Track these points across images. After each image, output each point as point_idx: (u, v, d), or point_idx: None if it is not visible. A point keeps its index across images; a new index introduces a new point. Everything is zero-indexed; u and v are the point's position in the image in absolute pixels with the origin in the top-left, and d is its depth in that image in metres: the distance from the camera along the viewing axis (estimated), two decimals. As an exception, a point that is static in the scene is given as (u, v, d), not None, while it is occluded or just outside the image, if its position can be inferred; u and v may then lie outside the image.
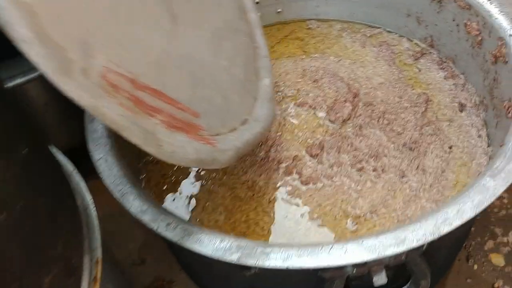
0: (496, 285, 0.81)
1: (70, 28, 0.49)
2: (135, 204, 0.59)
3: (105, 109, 0.46)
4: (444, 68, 0.86)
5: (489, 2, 0.73)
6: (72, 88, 0.44)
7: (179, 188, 0.78)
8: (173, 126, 0.56)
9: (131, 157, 0.75)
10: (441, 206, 0.54)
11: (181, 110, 0.60)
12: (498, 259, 0.84)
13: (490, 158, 0.73)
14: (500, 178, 0.55)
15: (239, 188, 0.76)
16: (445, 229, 0.52)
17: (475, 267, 0.83)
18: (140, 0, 0.63)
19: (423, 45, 0.90)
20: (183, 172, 0.80)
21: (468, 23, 0.78)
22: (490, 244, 0.85)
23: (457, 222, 0.52)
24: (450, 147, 0.76)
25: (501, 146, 0.59)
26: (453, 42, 0.83)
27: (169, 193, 0.78)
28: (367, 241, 0.53)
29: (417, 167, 0.75)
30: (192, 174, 0.79)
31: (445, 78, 0.85)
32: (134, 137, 0.49)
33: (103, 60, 0.51)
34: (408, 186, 0.73)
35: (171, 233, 0.56)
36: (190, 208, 0.75)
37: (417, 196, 0.72)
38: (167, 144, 0.52)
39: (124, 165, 0.66)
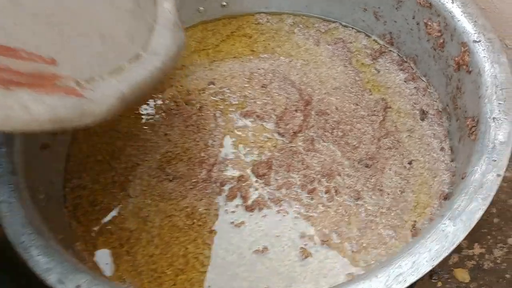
0: (460, 303, 0.76)
1: None
2: (40, 261, 0.50)
3: None
4: (404, 69, 0.78)
5: (451, 1, 0.65)
6: None
7: (110, 215, 0.69)
8: (10, 82, 0.45)
9: (48, 185, 0.66)
10: (393, 257, 0.47)
11: (24, 59, 0.49)
12: (463, 275, 0.78)
13: (453, 175, 0.66)
14: (461, 222, 0.47)
15: (177, 215, 0.68)
16: (398, 287, 0.45)
17: (439, 284, 0.78)
18: None
19: (382, 42, 0.81)
20: (115, 198, 0.71)
21: (429, 23, 0.69)
22: (454, 258, 0.80)
23: (411, 278, 0.45)
24: (410, 162, 0.69)
25: (462, 178, 0.52)
26: (414, 42, 0.75)
27: (99, 222, 0.69)
28: (310, 302, 0.45)
29: (374, 187, 0.67)
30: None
31: (405, 81, 0.77)
32: None
33: None
34: (364, 209, 0.66)
35: (80, 298, 0.48)
36: (123, 241, 0.67)
37: (374, 222, 0.65)
38: None
39: (34, 204, 0.57)
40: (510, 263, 0.78)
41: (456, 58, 0.65)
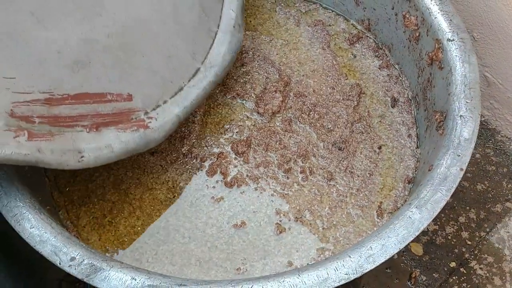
0: (413, 274, 0.83)
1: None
2: (33, 233, 0.52)
3: (12, 154, 0.48)
4: (379, 56, 0.82)
5: (430, -2, 0.69)
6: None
7: (91, 185, 0.71)
8: (99, 125, 0.55)
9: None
10: (364, 240, 0.52)
11: (109, 102, 0.57)
12: (417, 249, 0.86)
13: (418, 160, 0.72)
14: (426, 210, 0.53)
15: (159, 189, 0.71)
16: (369, 267, 0.50)
17: (395, 256, 0.85)
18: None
19: (360, 27, 0.85)
20: (96, 168, 0.72)
21: (407, 16, 0.73)
22: (411, 233, 0.87)
23: (381, 259, 0.50)
24: (380, 147, 0.74)
25: (429, 170, 0.57)
26: (391, 31, 0.79)
27: (81, 192, 0.71)
28: (289, 279, 0.50)
29: (346, 169, 0.72)
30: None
31: (379, 68, 0.81)
32: (49, 164, 0.50)
33: (8, 98, 0.50)
34: (336, 190, 0.71)
35: (75, 270, 0.50)
36: (105, 211, 0.69)
37: (344, 202, 0.70)
38: (89, 151, 0.54)
39: (20, 176, 0.58)
40: (459, 239, 0.86)
41: (430, 53, 0.69)
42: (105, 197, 0.70)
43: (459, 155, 0.56)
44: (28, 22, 0.54)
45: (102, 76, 0.58)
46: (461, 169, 0.55)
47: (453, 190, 0.54)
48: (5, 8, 0.53)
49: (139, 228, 0.68)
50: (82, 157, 0.53)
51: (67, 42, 0.56)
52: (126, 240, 0.67)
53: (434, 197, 0.54)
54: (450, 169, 0.56)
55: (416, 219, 0.53)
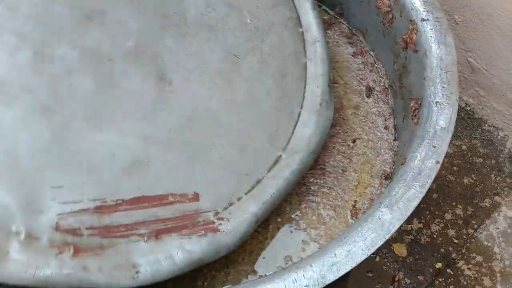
0: (396, 277, 0.77)
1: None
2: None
3: (52, 275, 0.41)
4: (353, 43, 0.76)
5: (402, -25, 0.63)
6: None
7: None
8: (159, 232, 0.47)
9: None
10: (328, 245, 0.46)
11: (171, 203, 0.50)
12: (400, 249, 0.80)
13: (395, 154, 0.66)
14: (397, 209, 0.47)
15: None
16: (332, 277, 0.44)
17: (377, 258, 0.79)
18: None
19: (332, 13, 0.79)
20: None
21: (379, -3, 0.67)
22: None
23: (346, 267, 0.44)
24: (354, 141, 0.68)
25: (402, 164, 0.51)
26: (364, 14, 0.73)
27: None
28: (244, 291, 0.44)
29: (317, 165, 0.66)
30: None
31: (353, 55, 0.75)
32: (96, 284, 0.43)
33: (54, 210, 0.44)
34: (306, 189, 0.64)
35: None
36: None
37: (315, 202, 0.64)
38: (146, 265, 0.45)
39: None
40: (445, 238, 0.80)
41: (404, 36, 0.63)
42: None
43: (435, 146, 0.50)
44: (82, 126, 0.48)
45: (163, 176, 0.51)
46: (437, 162, 0.49)
47: (428, 185, 0.48)
48: (55, 113, 0.47)
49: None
50: (137, 272, 0.44)
51: (124, 143, 0.50)
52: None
53: (407, 194, 0.48)
54: (424, 162, 0.49)
55: (386, 220, 0.46)
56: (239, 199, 0.53)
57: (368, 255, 0.45)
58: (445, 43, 0.57)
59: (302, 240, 0.61)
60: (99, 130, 0.48)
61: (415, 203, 0.47)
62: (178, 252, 0.47)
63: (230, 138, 0.56)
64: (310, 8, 0.65)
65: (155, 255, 0.46)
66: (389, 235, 0.46)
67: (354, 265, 0.45)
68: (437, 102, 0.53)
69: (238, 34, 0.59)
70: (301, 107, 0.61)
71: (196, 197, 0.51)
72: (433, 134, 0.51)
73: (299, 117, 0.61)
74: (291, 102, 0.61)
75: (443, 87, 0.54)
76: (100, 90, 0.49)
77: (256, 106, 0.58)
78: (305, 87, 0.62)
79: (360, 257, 0.45)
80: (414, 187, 0.48)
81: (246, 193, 0.54)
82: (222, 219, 0.51)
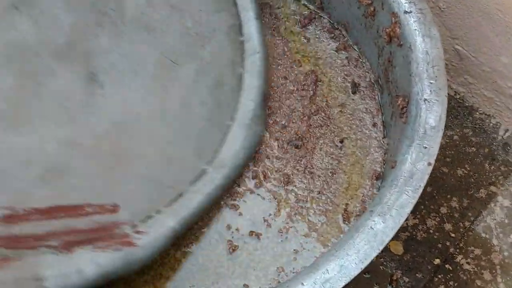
0: (394, 277, 0.75)
1: None
2: None
3: None
4: (336, 38, 0.73)
5: (381, -34, 0.59)
6: None
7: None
8: (71, 244, 0.44)
9: None
10: (319, 260, 0.43)
11: (88, 215, 0.46)
12: (396, 247, 0.78)
13: (385, 152, 0.63)
14: (390, 218, 0.44)
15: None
16: (325, 295, 0.41)
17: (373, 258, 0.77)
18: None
19: (312, 7, 0.75)
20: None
21: (359, -11, 0.64)
22: (388, 230, 0.78)
23: (340, 283, 0.42)
24: (342, 141, 0.65)
25: (392, 167, 0.49)
26: (345, 8, 0.70)
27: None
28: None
29: (304, 169, 0.63)
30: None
31: (336, 50, 0.72)
32: None
33: None
34: (294, 195, 0.62)
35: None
36: None
37: (304, 208, 0.61)
38: (53, 279, 0.42)
39: None
40: (442, 233, 0.77)
41: (387, 30, 0.60)
42: None
43: (426, 147, 0.48)
44: None
45: (82, 185, 0.48)
46: (429, 164, 0.47)
47: (421, 190, 0.46)
48: None
49: None
50: (42, 286, 0.42)
51: (42, 147, 0.46)
52: None
53: (399, 200, 0.45)
54: (416, 165, 0.47)
55: (379, 229, 0.44)
56: (158, 212, 0.50)
57: (362, 268, 0.42)
58: (430, 36, 0.54)
59: (294, 250, 0.59)
60: (16, 131, 0.44)
61: (408, 209, 0.45)
62: (89, 266, 0.44)
63: (158, 148, 0.52)
64: (253, 17, 0.61)
65: (64, 269, 0.43)
66: (383, 245, 0.43)
67: (348, 280, 0.42)
68: (425, 100, 0.50)
69: (178, 38, 0.55)
70: (232, 120, 0.57)
71: (115, 208, 0.48)
72: (423, 134, 0.48)
73: (229, 130, 0.57)
74: (223, 114, 0.57)
75: (431, 83, 0.51)
76: (21, 87, 0.45)
77: (188, 116, 0.55)
78: (238, 99, 0.59)
79: (353, 272, 0.42)
80: (406, 192, 0.45)
81: (166, 207, 0.51)
82: (139, 232, 0.48)
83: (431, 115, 0.49)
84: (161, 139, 0.53)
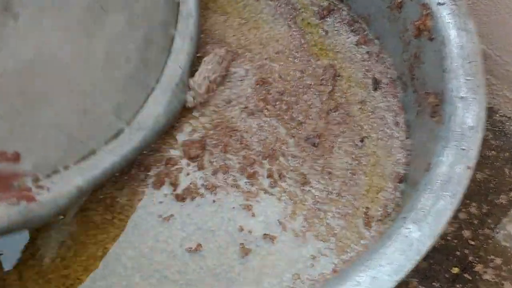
0: (410, 285, 0.71)
1: None
2: None
3: None
4: (355, 31, 0.69)
5: (413, -47, 0.55)
6: None
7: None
8: None
9: None
10: (348, 270, 0.39)
11: None
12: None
13: (409, 154, 0.59)
14: (426, 225, 0.40)
15: (94, 209, 0.57)
16: (355, 310, 0.37)
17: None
18: None
19: (331, -1, 0.71)
20: (16, 188, 0.58)
21: (385, -22, 0.60)
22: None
23: (370, 298, 0.38)
24: (362, 140, 0.61)
25: (426, 170, 0.45)
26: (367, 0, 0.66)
27: None
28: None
29: (322, 169, 0.59)
30: (29, 189, 0.58)
31: (357, 44, 0.68)
32: None
33: None
34: (311, 196, 0.58)
35: None
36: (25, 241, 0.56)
37: (322, 210, 0.57)
38: None
39: None
40: (460, 240, 0.74)
41: (416, 22, 0.56)
42: (27, 224, 0.56)
43: (464, 149, 0.44)
44: None
45: None
46: (468, 168, 0.43)
47: (460, 195, 0.42)
48: None
49: (70, 261, 0.54)
50: None
51: None
52: (53, 277, 0.54)
53: (436, 206, 0.41)
54: (454, 168, 0.43)
55: (414, 238, 0.40)
56: (65, 168, 0.47)
57: (397, 281, 0.38)
58: (466, 29, 0.50)
59: (311, 255, 0.55)
60: None
61: (446, 216, 0.41)
62: None
63: (73, 98, 0.49)
64: None
65: None
66: (420, 256, 0.39)
67: (379, 294, 0.38)
68: (462, 97, 0.46)
69: None
70: (157, 82, 0.55)
71: (16, 157, 0.44)
72: (460, 135, 0.44)
73: (152, 92, 0.55)
74: (148, 74, 0.55)
75: (467, 79, 0.47)
76: None
77: (110, 70, 0.51)
78: (166, 62, 0.57)
79: (387, 285, 0.38)
80: (443, 197, 0.41)
81: (75, 163, 0.47)
82: (41, 187, 0.44)
83: (468, 115, 0.45)
84: (77, 88, 0.49)
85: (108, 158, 0.50)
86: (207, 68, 0.63)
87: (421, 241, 0.40)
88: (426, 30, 0.54)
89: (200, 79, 0.62)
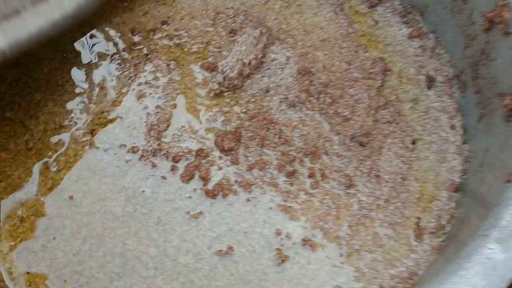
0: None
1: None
2: None
3: None
4: (408, 23, 0.63)
5: None
6: None
7: (21, 194, 0.52)
8: None
9: None
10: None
11: None
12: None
13: (467, 160, 0.53)
14: (513, 245, 0.34)
15: (114, 199, 0.51)
16: None
17: None
18: None
19: (382, -14, 0.65)
20: (29, 171, 0.53)
21: (453, -37, 0.54)
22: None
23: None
24: (414, 142, 0.55)
25: (508, 181, 0.39)
26: (425, -13, 0.60)
27: (5, 204, 0.51)
28: None
29: (369, 171, 0.53)
30: None
31: (409, 37, 0.62)
32: None
33: None
34: (357, 200, 0.52)
35: None
36: (37, 231, 0.50)
37: (368, 217, 0.51)
38: None
39: None
40: None
41: (489, 14, 0.50)
42: (39, 209, 0.51)
43: (555, 159, 0.38)
44: None
45: None
46: (561, 181, 0.37)
47: (551, 212, 0.36)
48: None
49: (84, 255, 0.49)
50: None
51: None
52: (65, 272, 0.48)
53: (523, 223, 0.35)
54: (542, 180, 0.37)
55: (499, 261, 0.34)
56: None
57: (479, 311, 0.33)
58: (552, 23, 0.44)
59: (355, 267, 0.49)
60: None
61: (537, 237, 0.35)
62: None
63: None
64: None
65: None
66: (507, 283, 0.33)
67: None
68: (550, 99, 0.40)
69: None
70: None
71: None
72: (550, 142, 0.39)
73: None
74: None
75: (555, 79, 0.41)
76: None
77: None
78: None
79: (468, 315, 0.32)
80: (532, 213, 0.35)
81: None
82: None
83: (558, 120, 0.39)
84: None
85: (35, 22, 0.44)
86: (240, 50, 0.57)
87: (507, 265, 0.34)
88: (502, 23, 0.48)
89: (232, 61, 0.56)
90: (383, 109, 0.57)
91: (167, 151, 0.53)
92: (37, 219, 0.50)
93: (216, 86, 0.56)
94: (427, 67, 0.60)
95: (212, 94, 0.56)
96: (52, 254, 0.49)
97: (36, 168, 0.53)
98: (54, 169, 0.53)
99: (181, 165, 0.53)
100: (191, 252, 0.49)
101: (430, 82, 0.59)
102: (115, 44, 0.59)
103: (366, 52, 0.61)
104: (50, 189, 0.52)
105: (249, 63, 0.57)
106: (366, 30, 0.63)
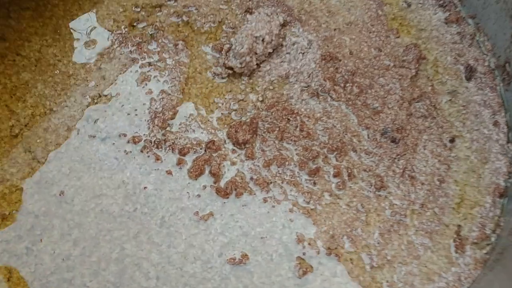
0: None
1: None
2: None
3: None
4: (445, 6, 0.56)
5: None
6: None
7: (5, 188, 0.45)
8: None
9: None
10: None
11: None
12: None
13: (512, 162, 0.47)
14: None
15: (111, 195, 0.45)
16: None
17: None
18: None
19: (415, -35, 0.59)
20: (15, 162, 0.46)
21: None
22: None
23: None
24: (452, 140, 0.49)
25: None
26: (467, -34, 0.53)
27: (-14, 198, 0.45)
28: None
29: (403, 171, 0.47)
30: None
31: (446, 22, 0.55)
32: None
33: None
34: (389, 204, 0.45)
35: None
36: (21, 231, 0.43)
37: (402, 224, 0.45)
38: None
39: None
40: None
41: (548, -6, 0.43)
42: (26, 206, 0.44)
43: None
44: None
45: None
46: None
47: None
48: None
49: (76, 261, 0.42)
50: None
51: None
52: (52, 280, 0.41)
53: None
54: None
55: None
56: None
57: None
58: None
59: (387, 281, 0.42)
60: None
61: None
62: None
63: None
64: None
65: None
66: None
67: None
68: None
69: None
70: None
71: None
72: None
73: None
74: None
75: None
76: None
77: None
78: None
79: None
80: None
81: None
82: None
83: None
84: None
85: None
86: (251, 26, 0.50)
87: None
88: None
89: (241, 36, 0.49)
90: (417, 102, 0.50)
91: (173, 143, 0.47)
92: (23, 218, 0.44)
93: (219, 70, 0.49)
94: (466, 55, 0.54)
95: (216, 80, 0.50)
96: (37, 259, 0.42)
97: (22, 158, 0.46)
98: (43, 160, 0.46)
99: (189, 159, 0.46)
100: (199, 259, 0.43)
101: (470, 72, 0.52)
102: (116, 21, 0.52)
103: (397, 37, 0.54)
104: (38, 182, 0.45)
105: (262, 39, 0.50)
106: (397, 13, 0.56)
